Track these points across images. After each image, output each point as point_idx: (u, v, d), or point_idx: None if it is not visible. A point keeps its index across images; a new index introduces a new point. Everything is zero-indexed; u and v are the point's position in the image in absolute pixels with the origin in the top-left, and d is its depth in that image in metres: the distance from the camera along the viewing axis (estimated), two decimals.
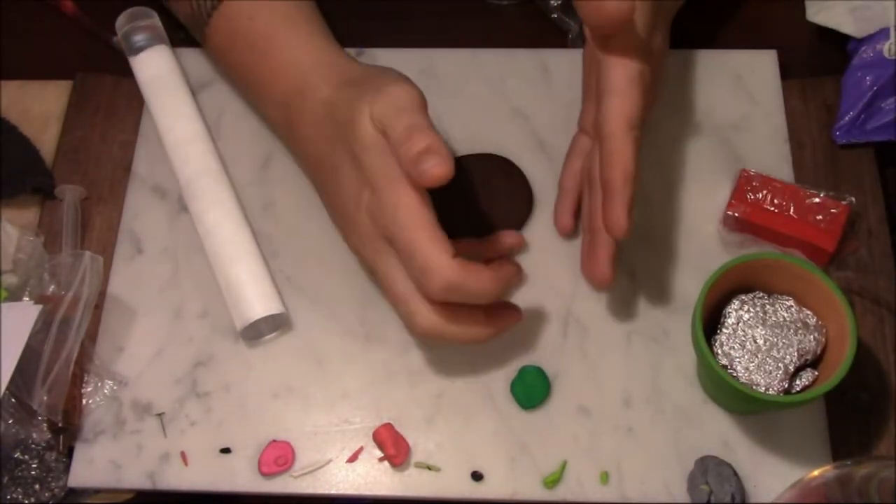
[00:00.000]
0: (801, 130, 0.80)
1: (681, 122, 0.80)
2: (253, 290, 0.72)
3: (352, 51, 0.84)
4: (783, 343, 0.64)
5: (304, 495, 0.69)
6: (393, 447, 0.68)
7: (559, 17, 0.88)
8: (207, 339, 0.73)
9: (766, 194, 0.74)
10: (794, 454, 0.68)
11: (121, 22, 0.82)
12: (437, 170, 0.57)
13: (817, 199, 0.73)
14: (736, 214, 0.73)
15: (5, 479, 0.69)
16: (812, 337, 0.64)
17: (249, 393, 0.72)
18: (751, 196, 0.74)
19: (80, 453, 0.70)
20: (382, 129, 0.61)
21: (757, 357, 0.64)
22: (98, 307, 0.74)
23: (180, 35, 0.83)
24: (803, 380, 0.64)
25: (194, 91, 0.83)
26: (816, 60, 0.84)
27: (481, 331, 0.63)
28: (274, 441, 0.69)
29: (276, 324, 0.73)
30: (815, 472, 0.57)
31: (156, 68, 0.81)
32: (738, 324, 0.65)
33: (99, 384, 0.72)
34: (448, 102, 0.82)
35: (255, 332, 0.73)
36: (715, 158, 0.78)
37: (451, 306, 0.62)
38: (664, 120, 0.80)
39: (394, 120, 0.60)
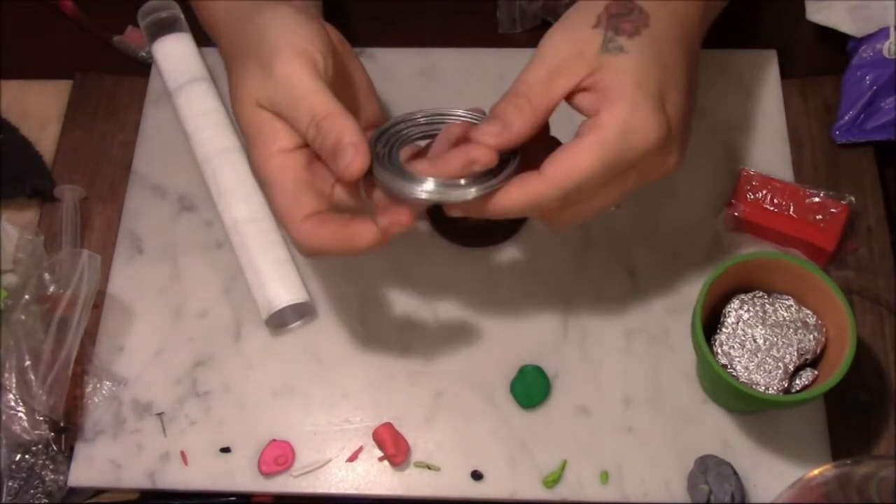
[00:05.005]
0: (801, 130, 0.80)
1: None
2: (279, 280, 0.72)
3: None
4: (783, 342, 0.64)
5: (304, 495, 0.69)
6: (393, 447, 0.68)
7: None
8: (207, 338, 0.73)
9: (766, 194, 0.74)
10: (794, 454, 0.68)
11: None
12: (352, 167, 0.55)
13: (817, 199, 0.73)
14: (736, 214, 0.73)
15: (5, 479, 0.69)
16: (812, 336, 0.64)
17: (249, 393, 0.72)
18: (751, 196, 0.74)
19: (81, 453, 0.70)
20: (276, 111, 0.58)
21: (757, 356, 0.64)
22: (98, 307, 0.74)
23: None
24: (803, 379, 0.64)
25: None
26: (816, 60, 0.84)
27: (369, 240, 0.57)
28: (274, 440, 0.69)
29: (301, 313, 0.73)
30: (815, 472, 0.57)
31: (185, 60, 0.81)
32: (737, 323, 0.65)
33: (99, 384, 0.72)
34: (448, 102, 0.82)
35: (280, 321, 0.73)
36: (715, 158, 0.78)
37: (330, 224, 0.58)
38: None
39: (289, 111, 0.57)
